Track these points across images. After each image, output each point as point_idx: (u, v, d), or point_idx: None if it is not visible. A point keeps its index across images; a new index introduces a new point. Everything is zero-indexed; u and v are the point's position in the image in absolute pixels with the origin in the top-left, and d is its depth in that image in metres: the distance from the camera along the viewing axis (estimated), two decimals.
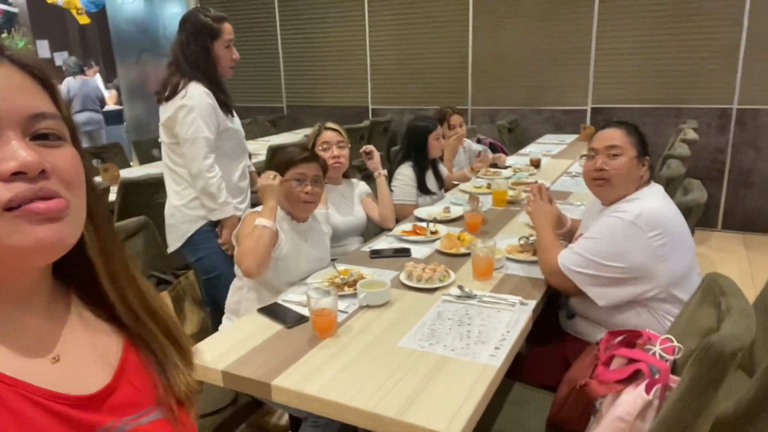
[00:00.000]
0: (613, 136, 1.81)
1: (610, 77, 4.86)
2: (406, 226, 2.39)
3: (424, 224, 2.38)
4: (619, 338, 1.54)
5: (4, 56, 0.54)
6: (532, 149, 4.35)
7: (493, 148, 4.27)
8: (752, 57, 4.36)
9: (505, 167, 3.55)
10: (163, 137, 2.24)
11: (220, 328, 1.93)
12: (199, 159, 2.13)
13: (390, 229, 2.39)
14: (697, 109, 4.62)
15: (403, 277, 1.83)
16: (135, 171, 3.81)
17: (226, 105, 2.21)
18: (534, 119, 5.25)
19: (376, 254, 2.10)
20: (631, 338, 1.53)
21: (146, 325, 0.65)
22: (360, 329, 1.53)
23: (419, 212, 2.62)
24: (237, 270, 1.92)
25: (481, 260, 1.82)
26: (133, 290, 0.64)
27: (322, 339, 1.48)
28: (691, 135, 3.75)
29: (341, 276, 1.85)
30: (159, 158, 4.26)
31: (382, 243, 2.25)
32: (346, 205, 2.43)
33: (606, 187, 1.81)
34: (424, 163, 2.93)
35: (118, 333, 0.64)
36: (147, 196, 2.78)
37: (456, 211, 2.60)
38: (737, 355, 1.10)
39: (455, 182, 3.26)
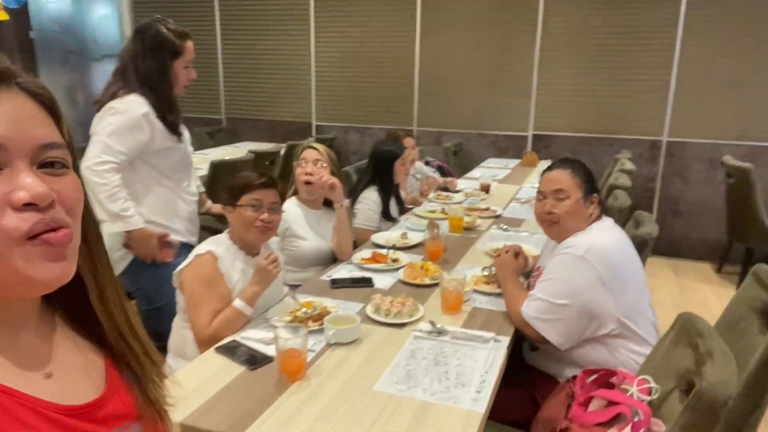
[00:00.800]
0: (559, 178, 1.85)
1: (551, 106, 5.03)
2: (365, 253, 2.31)
3: (384, 251, 2.31)
4: (593, 377, 1.53)
5: (16, 84, 0.56)
6: (478, 173, 4.40)
7: (442, 171, 4.28)
8: (681, 93, 4.64)
9: (456, 191, 3.54)
10: None
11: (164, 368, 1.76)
12: (89, 158, 1.90)
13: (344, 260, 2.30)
14: (630, 140, 4.85)
15: (370, 311, 1.74)
16: None
17: (174, 125, 2.05)
18: (478, 143, 5.33)
19: (337, 284, 2.00)
20: (606, 377, 1.52)
21: (130, 344, 0.67)
22: (330, 370, 1.43)
23: (377, 238, 2.55)
24: (179, 305, 1.76)
25: (450, 294, 1.77)
26: (120, 310, 0.67)
27: (291, 382, 1.37)
28: (629, 165, 3.92)
29: (304, 309, 1.74)
30: None
31: (342, 271, 2.15)
32: (319, 232, 2.32)
33: (556, 228, 1.86)
34: (389, 188, 2.87)
35: (99, 351, 0.67)
36: None
37: (414, 237, 2.55)
38: (728, 403, 1.09)
39: (408, 206, 3.22)
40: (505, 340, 1.61)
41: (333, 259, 2.33)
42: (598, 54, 4.80)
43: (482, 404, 1.29)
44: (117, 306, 0.66)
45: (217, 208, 2.39)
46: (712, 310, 3.88)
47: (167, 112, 2.02)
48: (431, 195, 3.43)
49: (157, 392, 0.69)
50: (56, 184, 0.56)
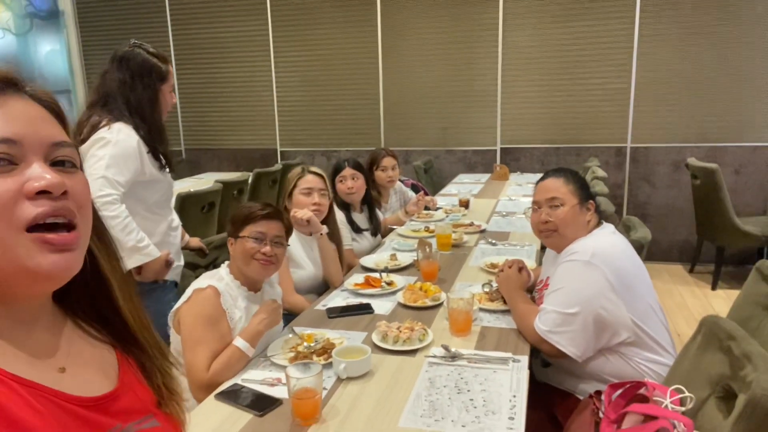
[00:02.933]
0: (553, 187, 1.82)
1: (517, 119, 5.07)
2: (358, 278, 2.20)
3: (376, 275, 2.20)
4: (620, 391, 1.46)
5: (24, 92, 0.60)
6: (453, 189, 4.36)
7: (415, 189, 4.21)
8: (641, 99, 4.76)
9: (436, 209, 3.48)
10: None
11: None
12: (95, 194, 1.76)
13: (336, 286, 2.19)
14: (595, 148, 4.93)
15: (377, 339, 1.63)
16: None
17: (165, 157, 1.92)
18: (447, 159, 5.31)
19: (334, 313, 1.88)
20: (634, 390, 1.45)
21: (147, 339, 0.71)
22: (347, 409, 1.31)
23: (365, 261, 2.44)
24: (173, 352, 1.61)
25: (459, 314, 1.68)
26: (138, 307, 0.71)
27: (307, 426, 1.24)
28: (600, 173, 3.96)
29: (305, 343, 1.62)
30: None
31: (337, 299, 2.03)
32: (313, 258, 2.21)
33: (554, 237, 1.82)
34: (339, 200, 2.76)
35: (111, 347, 0.69)
36: None
37: (404, 258, 2.46)
38: None
39: (391, 226, 3.13)
40: (524, 359, 1.53)
41: (325, 286, 2.21)
42: (558, 66, 4.88)
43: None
44: (136, 302, 0.70)
45: (195, 241, 2.24)
46: (691, 311, 3.92)
47: (158, 141, 1.90)
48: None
49: (171, 383, 0.72)
50: (68, 180, 0.59)
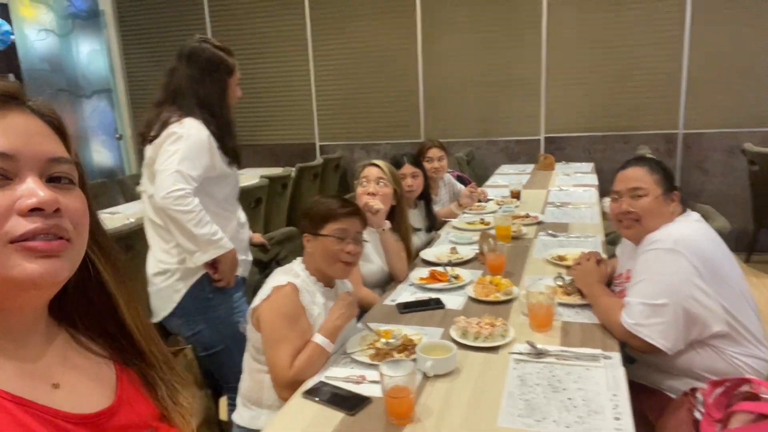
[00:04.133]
0: (635, 176, 1.74)
1: (561, 107, 4.94)
2: (422, 272, 2.16)
3: (441, 269, 2.16)
4: (720, 389, 1.38)
5: (26, 106, 0.60)
6: (498, 180, 4.29)
7: (461, 181, 4.14)
8: (694, 83, 4.58)
9: (487, 201, 3.41)
10: (145, 185, 1.88)
11: (236, 418, 1.59)
12: (164, 189, 1.75)
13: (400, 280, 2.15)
14: (645, 135, 4.77)
15: (456, 336, 1.58)
16: None
17: (234, 151, 1.91)
18: (488, 150, 5.22)
19: (406, 308, 1.84)
20: (735, 388, 1.38)
21: (154, 352, 0.70)
22: (439, 408, 1.27)
23: (425, 255, 2.40)
24: (251, 349, 1.59)
25: (541, 309, 1.62)
26: (143, 320, 0.70)
27: (401, 426, 1.20)
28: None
29: (383, 339, 1.58)
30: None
31: (405, 294, 1.99)
32: (376, 252, 2.17)
33: (636, 228, 1.74)
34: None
35: (110, 362, 0.68)
36: None
37: (464, 252, 2.41)
38: None
39: (444, 219, 3.08)
40: (616, 356, 1.46)
41: (389, 281, 2.17)
42: (605, 51, 4.73)
43: None
44: (143, 317, 0.70)
45: (257, 237, 2.22)
46: None
47: (228, 136, 1.88)
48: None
49: (176, 395, 0.71)
50: (62, 198, 0.58)
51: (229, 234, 1.90)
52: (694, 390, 1.46)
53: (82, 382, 0.64)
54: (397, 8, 5.17)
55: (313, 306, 1.55)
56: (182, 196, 1.74)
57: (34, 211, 0.55)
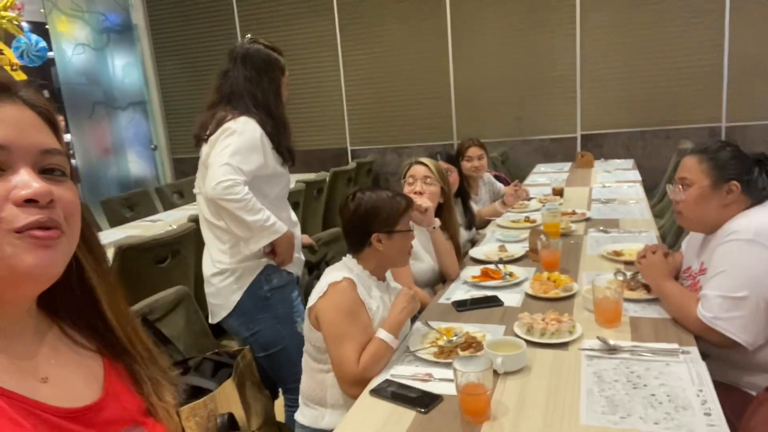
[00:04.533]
0: (686, 165, 1.70)
1: (597, 103, 4.85)
2: (474, 270, 2.11)
3: (493, 266, 2.11)
4: None
5: (18, 97, 0.60)
6: (537, 179, 4.22)
7: (499, 181, 4.08)
8: (736, 76, 4.45)
9: (529, 199, 3.35)
10: (200, 186, 1.88)
11: (299, 417, 1.56)
12: (214, 180, 1.74)
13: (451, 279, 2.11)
14: (687, 130, 4.65)
15: (521, 332, 1.53)
16: (112, 234, 3.34)
17: (289, 151, 1.90)
18: (523, 149, 5.15)
19: (463, 306, 1.80)
20: None
21: (135, 347, 0.70)
22: (516, 405, 1.22)
23: (474, 253, 2.35)
24: (310, 348, 1.56)
25: (609, 303, 1.56)
26: (126, 315, 0.70)
27: (479, 423, 1.16)
28: None
29: (445, 337, 1.54)
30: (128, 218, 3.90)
31: (459, 293, 1.95)
32: (425, 250, 2.15)
33: (680, 219, 1.71)
34: None
35: (98, 357, 0.68)
36: (147, 263, 2.37)
37: (513, 250, 2.35)
38: None
39: (488, 218, 3.03)
40: (695, 351, 1.39)
41: (439, 279, 2.13)
42: (641, 45, 4.64)
43: (722, 429, 1.07)
44: (124, 310, 0.70)
45: (305, 238, 2.21)
46: None
47: (284, 135, 1.88)
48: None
49: (161, 393, 0.70)
50: (56, 189, 0.58)
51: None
52: None
53: (71, 376, 0.63)
54: (425, 10, 5.15)
55: (371, 300, 1.52)
56: (230, 185, 1.73)
57: (29, 202, 0.55)
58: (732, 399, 1.56)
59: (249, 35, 1.98)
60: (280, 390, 2.02)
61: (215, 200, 1.74)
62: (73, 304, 0.67)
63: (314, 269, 2.18)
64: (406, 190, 2.19)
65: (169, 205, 4.37)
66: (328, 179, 4.57)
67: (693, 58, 4.53)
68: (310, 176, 4.76)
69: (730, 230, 1.57)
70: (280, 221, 1.84)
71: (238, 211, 1.73)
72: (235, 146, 1.76)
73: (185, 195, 4.59)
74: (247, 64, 1.87)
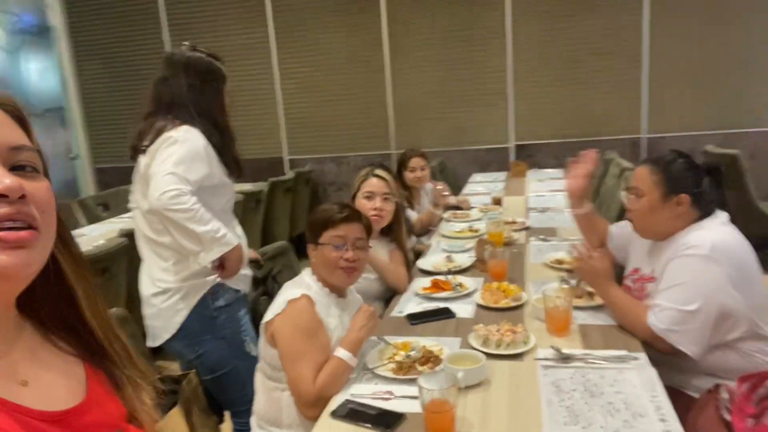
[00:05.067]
0: (639, 175, 1.74)
1: (530, 115, 5.02)
2: (424, 282, 2.11)
3: (442, 277, 2.11)
4: (747, 384, 1.38)
5: None
6: (476, 188, 4.31)
7: None
8: (654, 89, 4.75)
9: (470, 209, 3.40)
10: (138, 200, 1.77)
11: None
12: (158, 190, 1.64)
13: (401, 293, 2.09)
14: (611, 141, 4.90)
15: (477, 344, 1.54)
16: None
17: (235, 162, 1.81)
18: (459, 159, 5.24)
19: (416, 319, 1.78)
20: (761, 381, 1.38)
21: (114, 347, 0.68)
22: (480, 420, 1.21)
23: (422, 264, 2.35)
24: (265, 367, 1.50)
25: (560, 313, 1.59)
26: (105, 316, 0.68)
27: None
28: (626, 163, 3.92)
29: (402, 352, 1.52)
30: None
31: (411, 305, 1.93)
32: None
33: (633, 226, 1.77)
34: None
35: (79, 361, 0.67)
36: None
37: (460, 260, 2.37)
38: None
39: (428, 225, 3.06)
40: (643, 357, 1.45)
41: (391, 293, 2.11)
42: (569, 60, 4.85)
43: None
44: (103, 312, 0.68)
45: (251, 253, 2.12)
46: None
47: (230, 146, 1.79)
48: (446, 215, 3.27)
49: (140, 396, 0.69)
50: (28, 186, 0.57)
51: None
52: (717, 387, 1.46)
53: (52, 379, 0.62)
54: (362, 22, 5.16)
55: (329, 318, 1.48)
56: (176, 195, 1.63)
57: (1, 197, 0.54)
58: (680, 402, 1.63)
59: (187, 42, 1.89)
60: (225, 414, 1.93)
61: (160, 211, 1.63)
62: (52, 306, 0.66)
63: (260, 285, 2.10)
64: (365, 204, 2.14)
65: (93, 219, 4.10)
66: (266, 190, 4.46)
67: (616, 72, 4.79)
68: (247, 186, 4.64)
69: (686, 244, 1.60)
70: (231, 234, 1.77)
71: (187, 222, 1.64)
72: (179, 155, 1.67)
73: (111, 207, 4.33)
74: (190, 72, 1.79)
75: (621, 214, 2.63)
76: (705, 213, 1.67)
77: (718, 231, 1.63)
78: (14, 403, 0.56)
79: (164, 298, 1.74)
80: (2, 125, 0.60)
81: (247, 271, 1.92)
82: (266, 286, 2.11)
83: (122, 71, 5.70)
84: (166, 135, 1.70)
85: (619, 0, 4.67)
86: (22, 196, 0.56)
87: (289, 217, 4.87)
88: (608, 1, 4.69)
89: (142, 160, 1.75)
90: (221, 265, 1.77)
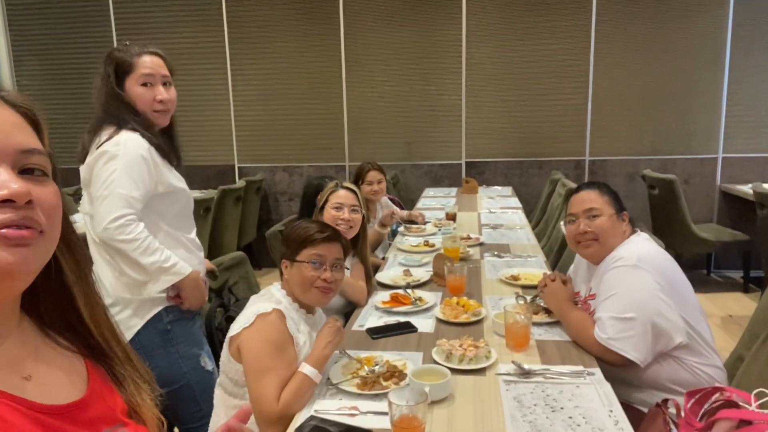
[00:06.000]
0: (589, 198, 1.87)
1: (481, 133, 5.15)
2: (384, 296, 2.11)
3: (402, 291, 2.12)
4: (695, 398, 1.46)
5: (0, 97, 0.60)
6: (429, 203, 4.36)
7: (393, 204, 4.16)
8: (597, 114, 4.98)
9: (425, 223, 3.44)
10: (85, 206, 1.68)
11: None
12: (103, 218, 1.59)
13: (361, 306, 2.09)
14: (556, 161, 5.09)
15: (440, 359, 1.55)
16: None
17: (168, 156, 1.74)
18: (412, 173, 5.31)
19: (378, 334, 1.78)
20: (707, 396, 1.46)
21: (112, 348, 0.70)
22: None
23: (381, 278, 2.35)
24: (226, 382, 1.45)
25: (520, 328, 1.63)
26: (104, 315, 0.70)
27: None
28: (571, 184, 4.08)
29: (366, 367, 1.51)
30: None
31: (372, 319, 1.93)
32: None
33: (594, 246, 1.84)
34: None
35: (80, 356, 0.68)
36: None
37: (418, 274, 2.39)
38: None
39: (375, 245, 3.07)
40: (598, 372, 1.50)
41: (351, 307, 2.10)
42: (520, 81, 5.02)
43: None
44: (101, 311, 0.70)
45: (207, 263, 2.06)
46: None
47: (154, 136, 1.70)
48: (402, 228, 3.30)
49: (140, 395, 0.71)
50: (36, 190, 0.58)
51: (183, 255, 1.74)
52: (665, 401, 1.53)
53: (53, 374, 0.64)
54: (320, 32, 5.16)
55: (299, 334, 1.46)
56: (122, 225, 1.58)
57: (6, 202, 0.55)
58: (627, 415, 1.71)
59: (126, 41, 1.80)
60: (176, 430, 1.85)
61: (107, 242, 1.58)
62: (53, 304, 0.67)
63: (216, 296, 2.05)
64: (334, 214, 2.14)
65: None
66: (216, 198, 4.35)
67: (563, 96, 4.99)
68: (196, 194, 4.50)
69: (616, 257, 1.75)
70: (182, 261, 1.69)
71: (132, 253, 1.58)
72: (119, 171, 1.60)
73: None
74: (109, 67, 1.70)
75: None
76: (633, 230, 1.83)
77: (644, 245, 1.78)
78: (20, 397, 0.57)
79: (115, 312, 1.65)
80: (15, 127, 0.59)
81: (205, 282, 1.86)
82: (222, 298, 2.06)
83: (67, 72, 5.45)
84: (102, 149, 1.63)
85: (568, 27, 4.88)
86: (29, 201, 0.57)
87: (238, 226, 4.77)
88: (557, 28, 4.90)
89: (82, 170, 1.68)
90: (177, 295, 1.71)
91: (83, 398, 0.63)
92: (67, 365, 0.66)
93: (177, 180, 1.80)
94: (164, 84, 1.76)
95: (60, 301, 0.67)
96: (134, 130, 1.68)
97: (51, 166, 0.63)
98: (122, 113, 1.70)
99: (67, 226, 0.65)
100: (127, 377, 0.71)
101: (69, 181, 4.58)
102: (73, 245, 0.67)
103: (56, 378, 0.64)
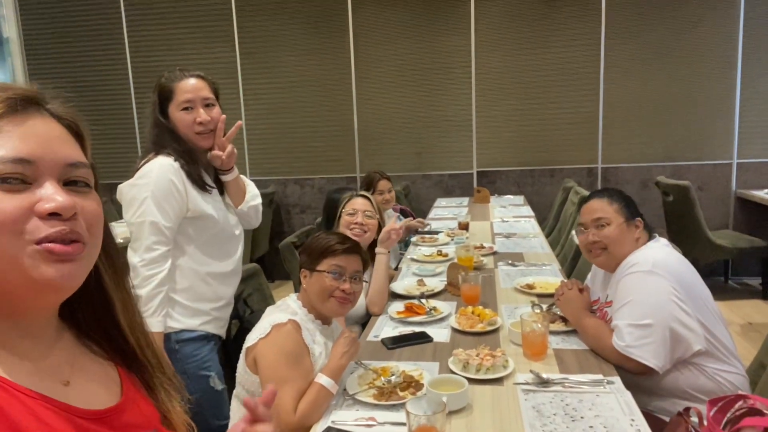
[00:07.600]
0: (597, 207, 1.86)
1: (492, 142, 5.15)
2: (398, 306, 2.10)
3: (416, 301, 2.11)
4: (718, 405, 1.43)
5: (46, 110, 0.62)
6: (442, 213, 4.36)
7: (405, 215, 4.16)
8: (609, 121, 4.96)
9: (437, 233, 3.44)
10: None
11: None
12: (141, 250, 1.63)
13: (377, 314, 2.08)
14: (568, 169, 5.07)
15: (457, 368, 1.54)
16: None
17: (198, 182, 1.73)
18: (423, 184, 5.31)
19: (393, 344, 1.77)
20: (731, 404, 1.43)
21: (146, 355, 0.71)
22: None
23: (395, 288, 2.35)
24: (242, 393, 1.45)
25: (537, 337, 1.62)
26: (139, 323, 0.72)
27: None
28: (584, 192, 4.05)
29: (382, 377, 1.50)
30: None
31: (387, 329, 1.92)
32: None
33: (604, 255, 1.83)
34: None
35: (112, 363, 0.70)
36: None
37: (432, 284, 2.38)
38: None
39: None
40: (618, 381, 1.48)
41: (367, 316, 2.10)
42: (530, 90, 5.02)
43: None
44: (138, 321, 0.71)
45: None
46: None
47: (190, 164, 1.72)
48: (415, 239, 3.30)
49: (171, 401, 0.72)
50: (80, 202, 0.60)
51: (189, 281, 1.74)
52: (687, 409, 1.51)
53: (90, 380, 0.65)
54: (330, 45, 5.20)
55: (314, 345, 1.45)
56: (156, 258, 1.64)
57: (53, 215, 0.56)
58: (647, 425, 1.68)
59: (177, 68, 1.81)
60: None
61: (134, 269, 1.62)
62: (90, 311, 0.68)
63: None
64: (348, 219, 2.23)
65: None
66: None
67: (574, 105, 4.98)
68: None
69: (630, 263, 1.73)
70: (160, 318, 1.64)
71: (141, 288, 1.60)
72: (149, 201, 1.64)
73: None
74: (156, 94, 1.75)
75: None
76: (650, 236, 1.81)
77: (660, 251, 1.76)
78: (62, 402, 0.58)
79: None
80: (61, 141, 0.61)
81: (220, 314, 1.84)
82: (236, 309, 2.06)
83: (82, 89, 5.53)
84: (132, 181, 1.68)
85: (578, 36, 4.88)
86: (74, 214, 0.58)
87: (251, 239, 4.79)
88: (567, 36, 4.90)
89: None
90: None
91: (119, 404, 0.65)
92: (102, 372, 0.68)
93: (209, 207, 1.76)
94: (206, 106, 1.76)
95: (98, 308, 0.68)
96: (169, 154, 1.70)
97: (94, 178, 0.64)
98: (164, 139, 1.73)
99: (107, 235, 0.66)
100: (158, 384, 0.72)
101: None
102: (112, 253, 0.68)
103: (92, 384, 0.65)
